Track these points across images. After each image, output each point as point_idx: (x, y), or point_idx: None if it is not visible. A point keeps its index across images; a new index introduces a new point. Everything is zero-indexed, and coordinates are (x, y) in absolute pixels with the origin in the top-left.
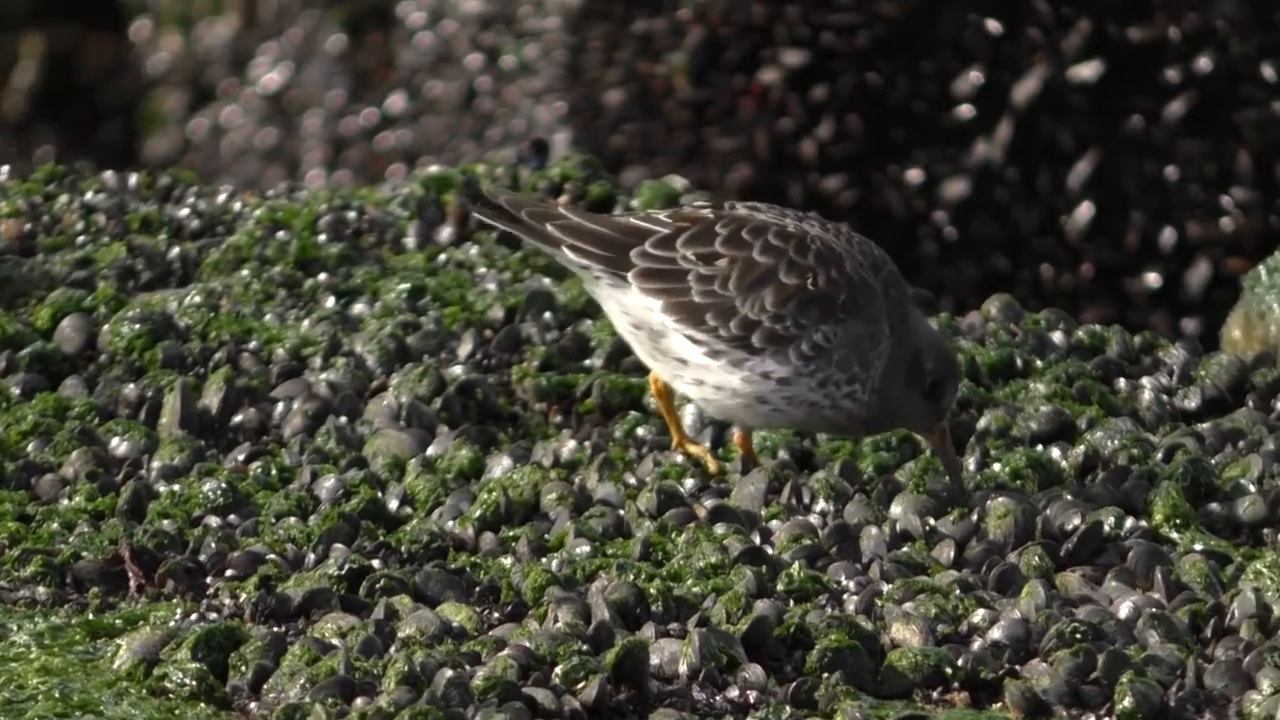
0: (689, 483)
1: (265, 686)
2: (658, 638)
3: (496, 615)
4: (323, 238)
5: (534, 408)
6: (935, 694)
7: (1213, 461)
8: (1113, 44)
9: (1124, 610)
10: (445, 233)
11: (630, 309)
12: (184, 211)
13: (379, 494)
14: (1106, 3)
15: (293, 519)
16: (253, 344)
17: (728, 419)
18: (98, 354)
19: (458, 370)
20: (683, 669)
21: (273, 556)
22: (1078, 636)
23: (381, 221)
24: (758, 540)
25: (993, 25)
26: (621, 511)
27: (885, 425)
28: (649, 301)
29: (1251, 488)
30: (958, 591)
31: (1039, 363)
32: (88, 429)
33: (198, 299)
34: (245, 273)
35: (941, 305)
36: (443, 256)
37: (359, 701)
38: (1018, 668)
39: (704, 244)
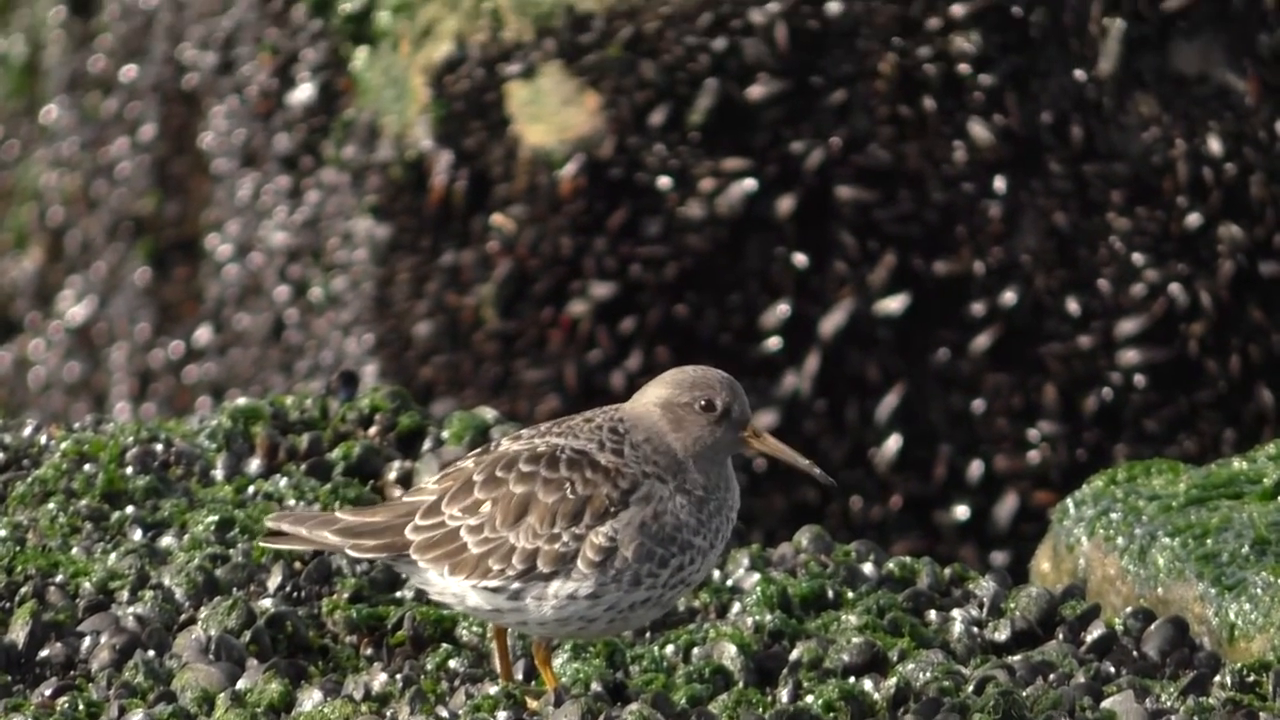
0: (502, 715)
1: None
2: None
3: None
4: (130, 470)
5: (345, 640)
6: None
7: (1024, 694)
8: (918, 278)
9: None
10: (254, 464)
11: (427, 583)
12: None
13: None
14: (912, 237)
15: None
16: (59, 577)
17: (577, 639)
18: None
19: (267, 603)
20: None
21: None
22: None
23: (189, 454)
24: None
25: (799, 258)
26: None
27: (721, 482)
28: (436, 572)
29: None
30: None
31: (850, 594)
32: None
33: (3, 532)
34: (51, 506)
35: (752, 537)
36: (251, 488)
37: None
38: None
39: (466, 496)
